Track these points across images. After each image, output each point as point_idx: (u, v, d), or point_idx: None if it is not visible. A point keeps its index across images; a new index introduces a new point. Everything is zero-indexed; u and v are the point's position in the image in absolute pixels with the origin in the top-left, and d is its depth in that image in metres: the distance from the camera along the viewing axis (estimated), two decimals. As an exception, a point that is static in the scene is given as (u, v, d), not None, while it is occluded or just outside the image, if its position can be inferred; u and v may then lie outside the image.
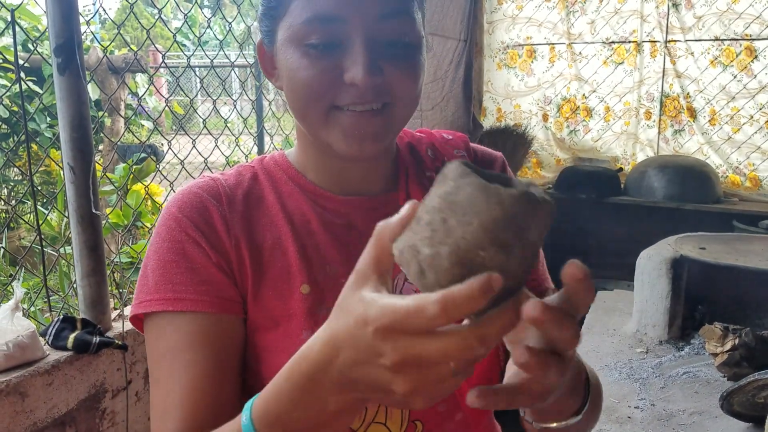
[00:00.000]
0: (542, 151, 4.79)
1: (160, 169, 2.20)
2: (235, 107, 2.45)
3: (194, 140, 2.15)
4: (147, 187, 2.17)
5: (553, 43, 4.60)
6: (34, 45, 1.86)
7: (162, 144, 5.64)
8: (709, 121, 4.23)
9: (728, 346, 2.05)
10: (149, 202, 2.49)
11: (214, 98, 2.34)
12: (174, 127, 5.30)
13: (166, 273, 0.78)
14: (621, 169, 4.48)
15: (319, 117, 0.76)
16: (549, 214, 0.46)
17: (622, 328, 2.64)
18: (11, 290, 1.62)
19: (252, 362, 0.81)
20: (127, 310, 1.86)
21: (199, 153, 2.19)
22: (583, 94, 4.58)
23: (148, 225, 2.37)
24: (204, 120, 2.29)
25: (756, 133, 4.11)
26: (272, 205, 0.85)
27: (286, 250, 0.83)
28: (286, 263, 0.82)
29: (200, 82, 2.24)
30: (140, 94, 4.27)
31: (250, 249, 0.81)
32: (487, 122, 4.80)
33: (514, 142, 4.33)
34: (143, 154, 3.24)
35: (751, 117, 4.11)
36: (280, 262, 0.82)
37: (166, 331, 0.77)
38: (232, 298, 0.80)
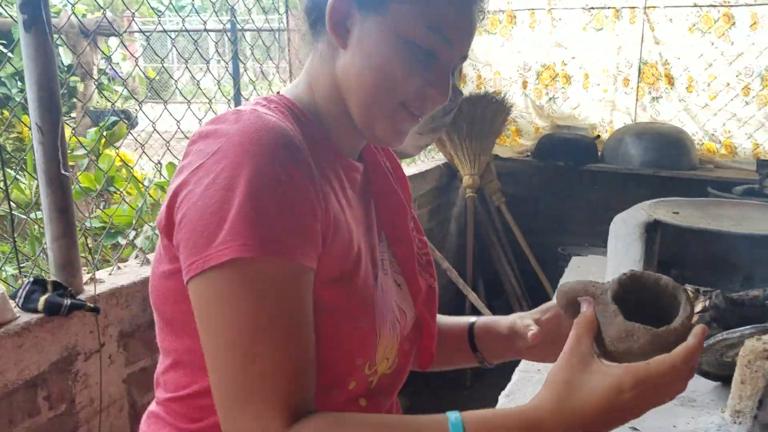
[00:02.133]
0: (521, 119, 4.78)
1: (135, 136, 2.16)
2: (208, 69, 2.41)
3: (166, 102, 2.11)
4: (118, 150, 2.14)
5: (533, 9, 4.57)
6: (3, 7, 1.81)
7: (137, 110, 5.55)
8: (687, 88, 4.25)
9: (698, 308, 2.08)
10: (123, 170, 2.46)
11: (190, 64, 2.29)
12: (149, 94, 5.21)
13: (278, 214, 0.69)
14: (598, 136, 4.50)
15: (385, 105, 0.82)
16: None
17: (595, 292, 2.67)
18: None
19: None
20: (101, 274, 1.85)
21: (174, 118, 2.15)
22: (563, 61, 4.57)
23: (121, 190, 2.34)
24: (175, 81, 2.25)
25: (732, 100, 4.14)
26: (316, 159, 0.81)
27: (341, 206, 0.84)
28: (345, 220, 0.83)
29: (172, 43, 2.19)
30: (112, 58, 4.18)
31: (326, 202, 0.78)
32: (467, 89, 4.78)
33: (493, 109, 4.31)
34: (114, 118, 3.18)
35: (728, 84, 4.13)
36: (342, 217, 0.82)
37: (269, 276, 0.69)
38: (317, 252, 0.76)
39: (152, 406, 0.93)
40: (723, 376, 1.79)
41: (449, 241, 4.72)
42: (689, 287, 2.14)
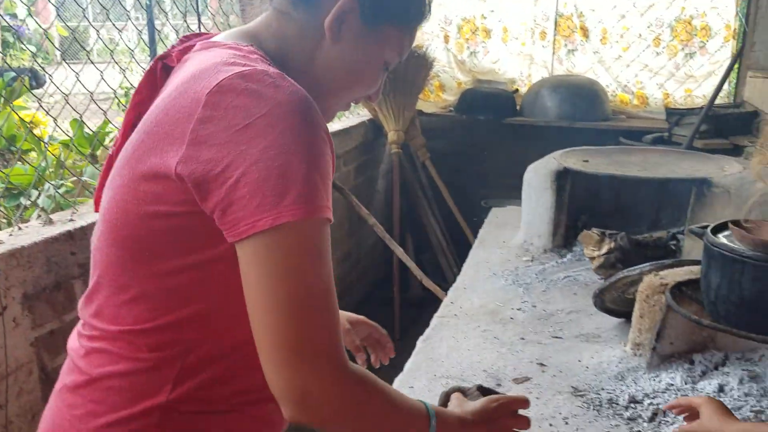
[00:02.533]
0: (444, 74, 4.81)
1: (43, 97, 2.05)
2: (117, 29, 2.30)
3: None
4: (12, 108, 2.03)
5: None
6: None
7: (50, 73, 5.27)
8: (601, 40, 4.36)
9: (604, 249, 2.17)
10: (26, 130, 2.33)
11: (106, 25, 2.18)
12: (60, 54, 4.94)
13: (323, 180, 0.79)
14: (517, 90, 4.57)
15: (349, 98, 1.02)
16: None
17: (511, 240, 2.75)
18: None
19: None
20: (0, 235, 1.77)
21: (80, 82, 2.05)
22: (482, 14, 4.59)
23: (19, 147, 2.23)
24: (80, 44, 2.14)
25: (644, 51, 4.27)
26: None
27: None
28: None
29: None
30: (18, 14, 3.94)
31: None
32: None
33: (415, 64, 4.31)
34: (14, 74, 3.01)
35: (640, 36, 4.26)
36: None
37: (324, 236, 0.80)
38: None
39: (90, 342, 0.91)
40: (625, 312, 1.88)
41: (377, 198, 4.75)
42: (596, 230, 2.22)
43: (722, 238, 1.35)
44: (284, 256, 0.76)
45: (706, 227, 1.41)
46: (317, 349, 0.76)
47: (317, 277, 0.77)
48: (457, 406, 1.05)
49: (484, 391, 1.13)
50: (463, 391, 1.12)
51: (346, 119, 4.38)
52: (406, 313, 4.27)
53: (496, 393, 1.11)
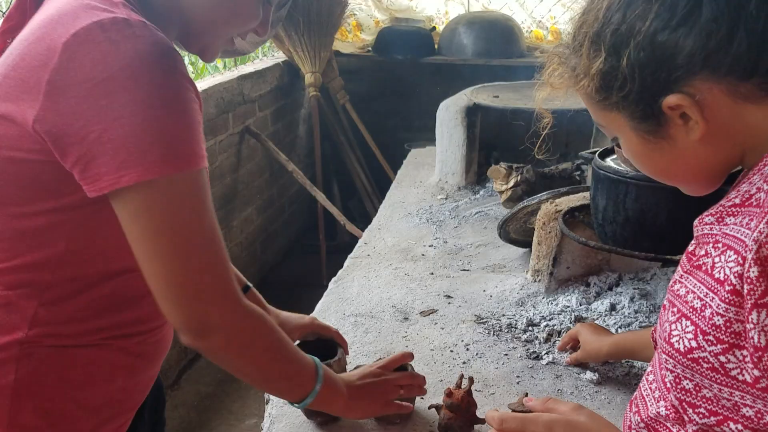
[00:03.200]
0: (360, 12, 4.70)
1: None
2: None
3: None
4: None
5: None
6: None
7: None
8: (515, -25, 4.34)
9: (512, 183, 2.20)
10: None
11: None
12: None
13: (189, 130, 0.80)
14: (434, 28, 4.53)
15: (226, 35, 0.98)
16: None
17: (427, 180, 2.77)
18: None
19: None
20: None
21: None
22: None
23: None
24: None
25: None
26: None
27: None
28: None
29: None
30: None
31: None
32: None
33: (329, 1, 4.19)
34: None
35: (553, -30, 4.26)
36: None
37: (198, 185, 0.81)
38: None
39: None
40: (528, 242, 1.93)
41: (299, 144, 4.67)
42: (503, 164, 2.25)
43: (609, 161, 1.38)
44: (161, 212, 0.79)
45: (596, 152, 1.44)
46: (208, 285, 0.82)
47: (198, 225, 0.82)
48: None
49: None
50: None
51: (259, 62, 4.24)
52: (333, 259, 4.26)
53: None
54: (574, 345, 1.36)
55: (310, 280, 3.94)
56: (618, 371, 1.32)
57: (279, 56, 4.37)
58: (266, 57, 4.39)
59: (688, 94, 0.67)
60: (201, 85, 3.34)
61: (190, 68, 3.53)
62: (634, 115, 0.72)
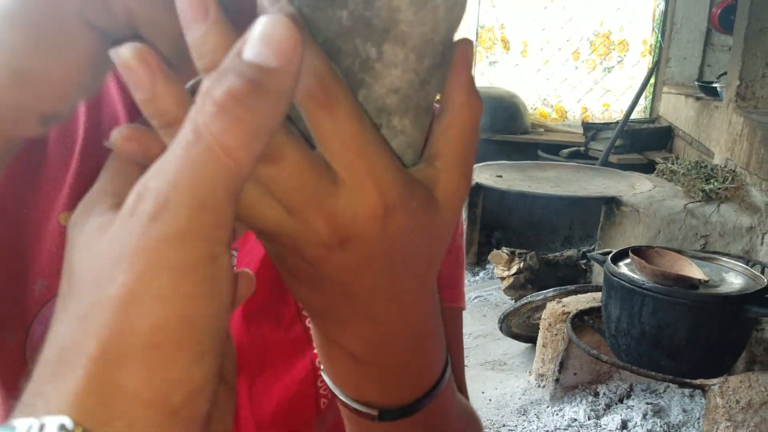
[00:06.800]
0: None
1: None
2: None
3: None
4: None
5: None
6: None
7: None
8: (521, 52, 4.34)
9: (514, 269, 2.10)
10: None
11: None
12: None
13: None
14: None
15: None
16: None
17: (425, 257, 2.66)
18: None
19: None
20: None
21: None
22: (404, 24, 4.52)
23: None
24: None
25: (563, 65, 4.28)
26: None
27: None
28: None
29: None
30: None
31: None
32: None
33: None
34: None
35: (560, 49, 4.27)
36: None
37: None
38: None
39: None
40: (532, 337, 1.80)
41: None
42: (505, 249, 2.15)
43: (623, 266, 1.27)
44: None
45: (607, 254, 1.33)
46: None
47: None
48: None
49: None
50: None
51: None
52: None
53: None
54: None
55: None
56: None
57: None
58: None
59: None
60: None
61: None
62: None
